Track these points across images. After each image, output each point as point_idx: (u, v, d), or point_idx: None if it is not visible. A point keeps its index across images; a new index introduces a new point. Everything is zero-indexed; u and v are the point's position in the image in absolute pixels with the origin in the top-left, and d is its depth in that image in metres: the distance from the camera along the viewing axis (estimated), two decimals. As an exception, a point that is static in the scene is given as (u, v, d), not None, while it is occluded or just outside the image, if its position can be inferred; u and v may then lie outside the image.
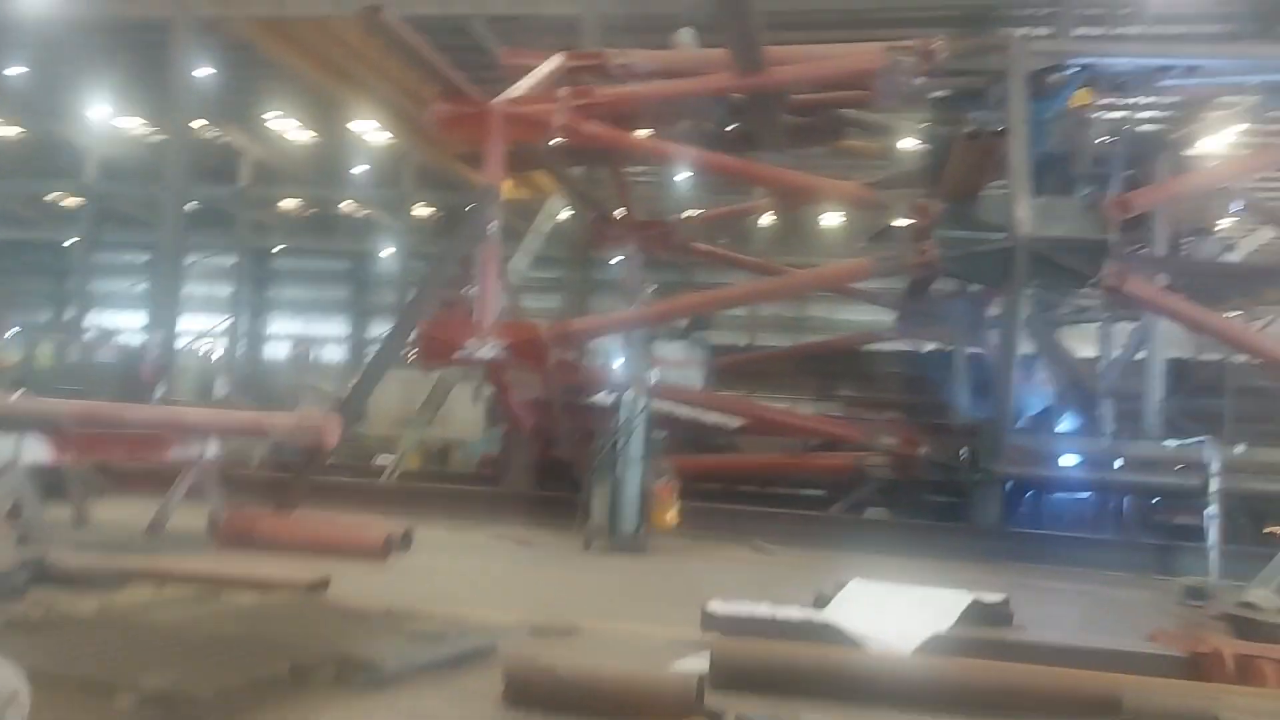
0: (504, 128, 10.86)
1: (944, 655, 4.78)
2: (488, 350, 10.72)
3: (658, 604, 6.99)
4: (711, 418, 11.97)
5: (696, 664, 4.96)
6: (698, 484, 10.66)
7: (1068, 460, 10.83)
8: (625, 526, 9.61)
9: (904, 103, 12.16)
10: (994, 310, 15.97)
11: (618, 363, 12.75)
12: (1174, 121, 17.65)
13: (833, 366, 15.24)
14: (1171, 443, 10.61)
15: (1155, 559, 10.22)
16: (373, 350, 19.16)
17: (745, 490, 12.69)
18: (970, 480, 10.45)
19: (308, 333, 43.07)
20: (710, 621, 5.24)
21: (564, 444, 12.13)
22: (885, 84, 11.18)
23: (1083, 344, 15.63)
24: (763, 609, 5.30)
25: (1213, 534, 9.64)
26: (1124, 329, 13.75)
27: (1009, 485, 10.74)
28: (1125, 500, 10.83)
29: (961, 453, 10.43)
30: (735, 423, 12.01)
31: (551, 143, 11.49)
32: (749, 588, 8.05)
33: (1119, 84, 10.64)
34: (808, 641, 4.87)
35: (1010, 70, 10.25)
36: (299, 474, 9.40)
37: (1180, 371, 13.23)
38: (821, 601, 5.59)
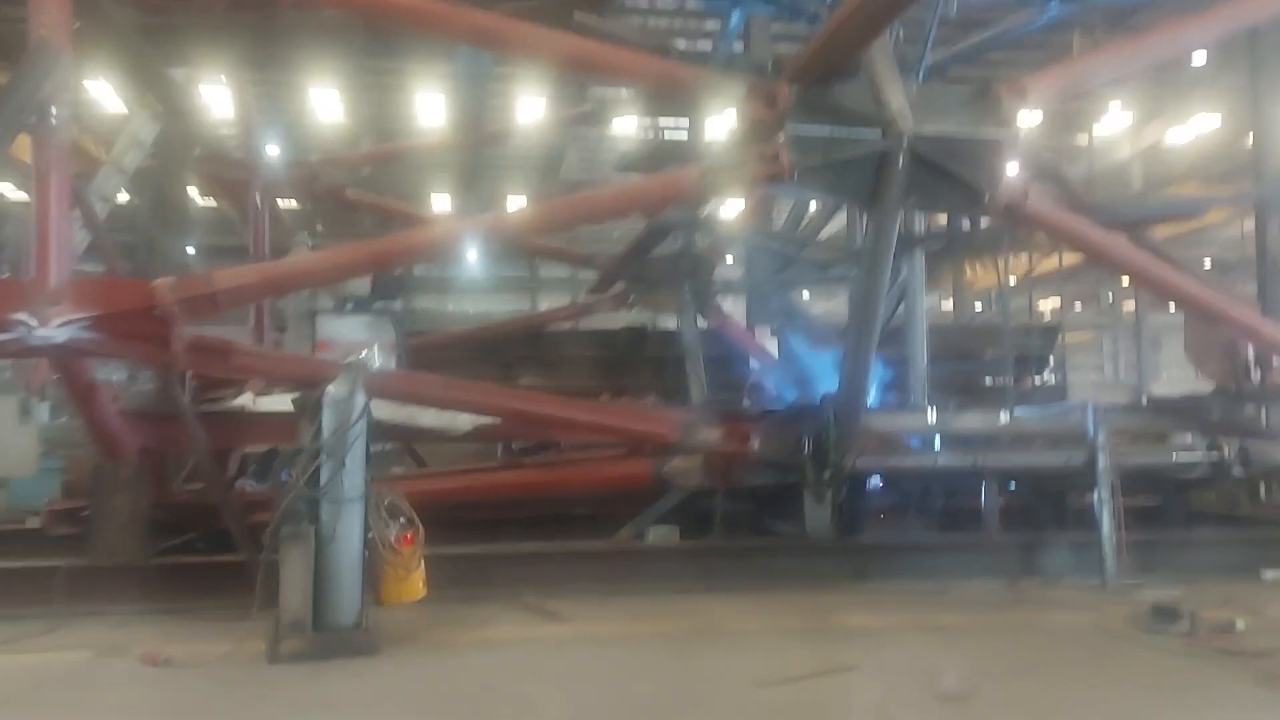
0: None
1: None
2: (57, 328, 6.15)
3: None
4: (429, 419, 8.09)
5: None
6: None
7: (918, 444, 8.32)
8: (341, 613, 5.64)
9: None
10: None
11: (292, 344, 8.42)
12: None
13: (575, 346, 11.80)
14: (1029, 412, 8.49)
15: (1021, 560, 8.06)
16: None
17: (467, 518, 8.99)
18: (814, 481, 7.55)
19: None
20: None
21: (200, 480, 7.69)
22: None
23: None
24: None
25: (1106, 522, 7.65)
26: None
27: (851, 483, 8.00)
28: (984, 489, 8.54)
29: (804, 445, 7.50)
30: (466, 425, 8.21)
31: None
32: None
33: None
34: None
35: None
36: None
37: (939, 337, 11.48)
38: None
